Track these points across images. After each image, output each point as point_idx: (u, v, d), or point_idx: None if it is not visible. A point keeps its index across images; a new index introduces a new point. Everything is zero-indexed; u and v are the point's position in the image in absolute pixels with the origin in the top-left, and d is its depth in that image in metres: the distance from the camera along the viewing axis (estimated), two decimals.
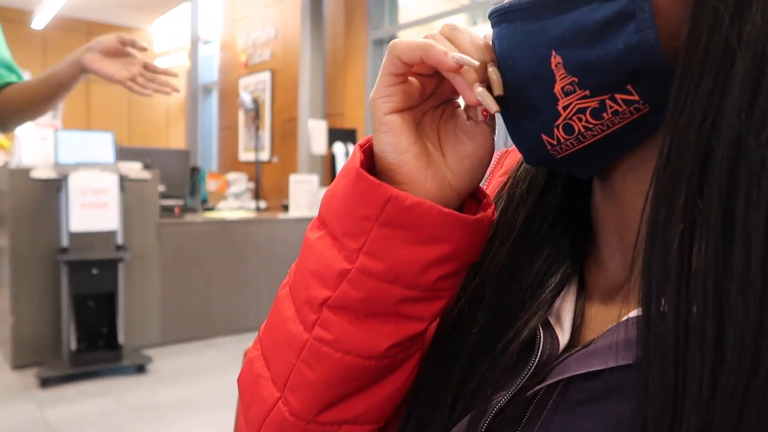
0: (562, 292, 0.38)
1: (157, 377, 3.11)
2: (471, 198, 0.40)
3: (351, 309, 0.35)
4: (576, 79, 0.30)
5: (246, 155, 6.59)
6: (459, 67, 0.33)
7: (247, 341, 3.80)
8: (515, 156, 0.45)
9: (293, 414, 0.37)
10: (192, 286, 3.72)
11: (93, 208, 2.96)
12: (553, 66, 0.31)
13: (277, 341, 0.39)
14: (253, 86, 6.43)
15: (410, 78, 0.36)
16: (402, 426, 0.39)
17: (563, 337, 0.36)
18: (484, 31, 0.36)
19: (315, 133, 4.71)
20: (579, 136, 0.32)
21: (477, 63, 0.34)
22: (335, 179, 0.37)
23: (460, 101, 0.39)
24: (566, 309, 0.37)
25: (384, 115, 0.35)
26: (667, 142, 0.27)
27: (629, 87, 0.29)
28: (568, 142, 0.32)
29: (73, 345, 2.99)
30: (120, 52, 1.23)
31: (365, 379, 0.36)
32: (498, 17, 0.34)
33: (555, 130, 0.32)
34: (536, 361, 0.35)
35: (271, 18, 6.23)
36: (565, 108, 0.31)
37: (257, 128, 5.25)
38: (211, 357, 3.47)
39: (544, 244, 0.39)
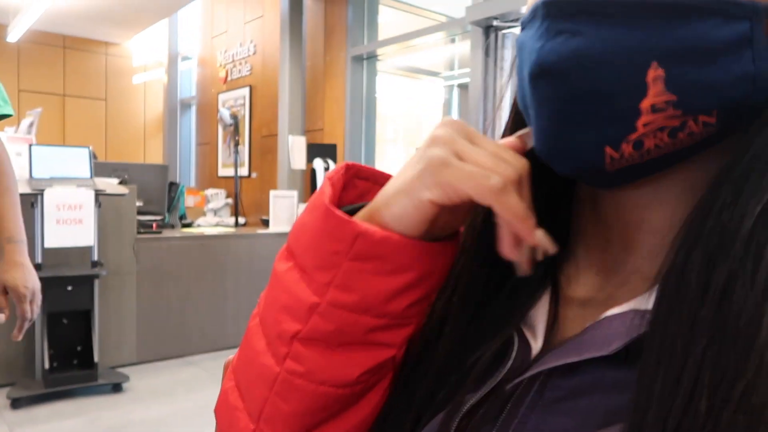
0: (536, 300, 0.38)
1: (133, 396, 3.05)
2: None
3: (322, 340, 0.36)
4: (675, 98, 0.28)
5: (225, 171, 6.55)
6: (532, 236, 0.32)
7: (225, 358, 3.74)
8: None
9: None
10: (170, 302, 3.66)
11: (68, 224, 2.91)
12: (649, 79, 0.28)
13: (250, 374, 0.39)
14: (233, 102, 6.42)
15: None
16: None
17: (536, 343, 0.36)
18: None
19: (295, 149, 4.71)
20: (645, 153, 0.30)
21: (551, 247, 0.32)
22: (305, 210, 0.38)
23: None
24: (539, 316, 0.37)
25: (420, 200, 0.34)
26: (741, 160, 0.28)
27: (714, 111, 0.28)
28: (631, 157, 0.30)
29: (47, 364, 2.92)
30: None
31: (339, 406, 0.37)
32: (581, 7, 0.29)
33: (623, 144, 0.30)
34: (510, 365, 0.35)
35: (251, 34, 6.24)
36: (645, 125, 0.29)
37: (236, 144, 5.24)
38: (189, 375, 3.41)
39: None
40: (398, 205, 0.34)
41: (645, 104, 0.28)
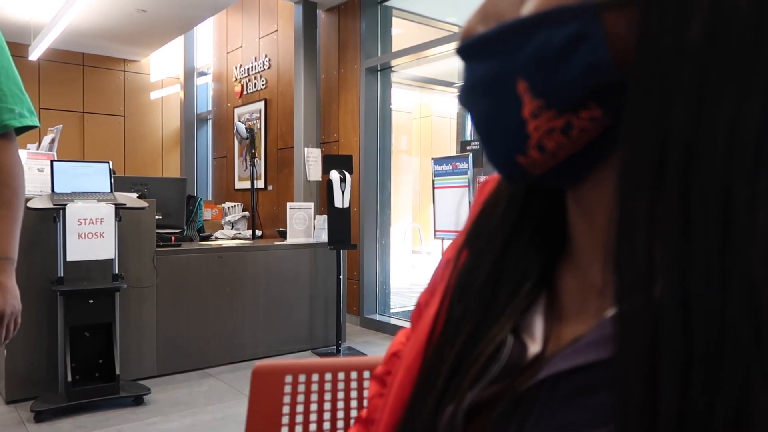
0: (534, 302, 0.39)
1: (155, 408, 3.06)
2: None
3: None
4: (542, 102, 0.32)
5: (241, 184, 6.60)
6: None
7: (243, 371, 3.77)
8: (494, 184, 0.47)
9: None
10: (188, 314, 3.69)
11: (89, 238, 2.95)
12: (520, 91, 0.32)
13: None
14: (248, 115, 6.48)
15: None
16: None
17: (534, 346, 0.37)
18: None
19: (310, 161, 4.74)
20: (552, 154, 0.33)
21: None
22: None
23: None
24: (537, 318, 0.39)
25: None
26: (625, 151, 0.29)
27: (592, 103, 0.31)
28: (542, 160, 0.34)
29: (69, 377, 2.96)
30: None
31: None
32: (466, 53, 0.36)
33: (529, 150, 0.34)
34: (504, 362, 0.36)
35: (265, 48, 6.32)
36: (536, 129, 0.33)
37: (252, 157, 5.28)
38: (208, 387, 3.43)
39: (521, 260, 0.41)
40: None
41: (526, 112, 0.33)
